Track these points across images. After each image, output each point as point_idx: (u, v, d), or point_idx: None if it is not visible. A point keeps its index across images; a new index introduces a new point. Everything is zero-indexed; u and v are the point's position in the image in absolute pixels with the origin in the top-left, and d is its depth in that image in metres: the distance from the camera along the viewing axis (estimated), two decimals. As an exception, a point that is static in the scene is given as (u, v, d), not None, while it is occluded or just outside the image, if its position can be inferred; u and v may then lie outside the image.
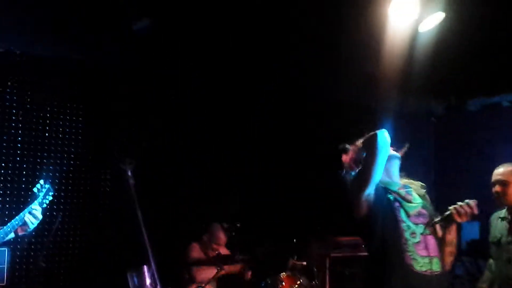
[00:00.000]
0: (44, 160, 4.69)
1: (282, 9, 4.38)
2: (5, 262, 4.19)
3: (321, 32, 4.73)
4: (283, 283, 4.51)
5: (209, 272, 4.67)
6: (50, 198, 3.16)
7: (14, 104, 4.66)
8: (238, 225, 5.12)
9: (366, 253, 4.98)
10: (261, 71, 5.57)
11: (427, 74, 5.27)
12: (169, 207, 5.16)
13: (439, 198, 5.58)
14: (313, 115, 5.94)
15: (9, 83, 4.68)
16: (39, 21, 4.49)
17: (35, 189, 3.10)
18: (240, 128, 5.73)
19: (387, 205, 2.64)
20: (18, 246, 4.46)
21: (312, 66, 5.44)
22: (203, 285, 4.50)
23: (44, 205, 3.12)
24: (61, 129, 4.84)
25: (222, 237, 4.92)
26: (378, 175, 2.66)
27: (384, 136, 2.66)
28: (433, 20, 4.38)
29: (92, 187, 4.95)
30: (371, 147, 2.66)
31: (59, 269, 4.79)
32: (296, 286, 4.54)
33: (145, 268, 2.78)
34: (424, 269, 2.55)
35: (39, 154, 4.72)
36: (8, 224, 3.02)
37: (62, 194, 4.78)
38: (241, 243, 4.98)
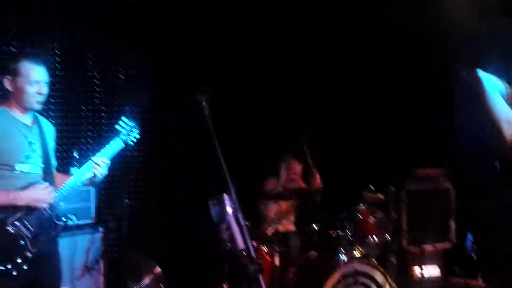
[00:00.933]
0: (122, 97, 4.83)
1: None
2: (91, 200, 4.46)
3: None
4: (360, 216, 4.48)
5: (285, 206, 4.72)
6: (136, 135, 3.13)
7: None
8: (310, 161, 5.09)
9: (444, 186, 5.01)
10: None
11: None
12: (245, 138, 5.22)
13: None
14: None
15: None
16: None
17: (117, 126, 3.09)
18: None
19: None
20: (102, 185, 4.68)
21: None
22: (278, 219, 4.56)
23: (130, 142, 3.11)
24: (134, 66, 4.97)
25: (297, 168, 4.92)
26: None
27: None
28: None
29: (170, 120, 5.10)
30: None
31: (141, 205, 5.02)
32: (373, 218, 4.49)
33: (226, 196, 2.82)
34: None
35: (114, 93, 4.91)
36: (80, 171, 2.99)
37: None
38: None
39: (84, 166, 2.98)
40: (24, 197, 2.78)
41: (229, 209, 2.80)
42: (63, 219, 2.92)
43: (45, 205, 2.83)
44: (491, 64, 3.00)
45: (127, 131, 3.09)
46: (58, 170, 3.16)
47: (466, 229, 5.10)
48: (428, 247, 4.89)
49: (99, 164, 2.97)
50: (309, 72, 5.68)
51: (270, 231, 4.51)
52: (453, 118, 5.20)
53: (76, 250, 4.21)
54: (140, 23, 4.96)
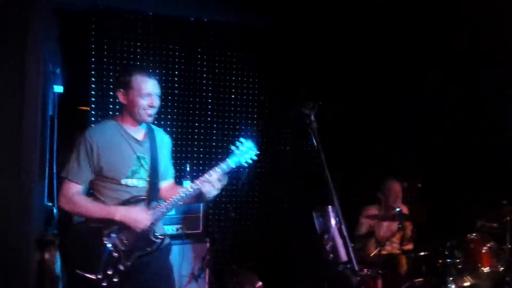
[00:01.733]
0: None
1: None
2: (200, 211, 4.68)
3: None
4: (471, 245, 4.25)
5: (389, 229, 4.62)
6: (253, 157, 2.98)
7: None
8: (419, 185, 4.98)
9: None
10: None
11: None
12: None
13: None
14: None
15: (199, 49, 5.20)
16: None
17: (233, 147, 2.99)
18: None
19: None
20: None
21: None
22: (383, 242, 4.46)
23: (245, 163, 2.97)
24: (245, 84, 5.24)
25: (398, 193, 4.81)
26: None
27: None
28: None
29: (276, 134, 5.29)
30: None
31: (246, 219, 5.20)
32: (485, 248, 4.24)
33: (330, 208, 2.84)
34: None
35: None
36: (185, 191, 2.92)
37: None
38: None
39: (198, 181, 2.92)
40: (121, 214, 2.81)
41: (333, 221, 2.82)
42: (160, 236, 2.91)
43: (139, 228, 2.83)
44: None
45: (244, 151, 2.97)
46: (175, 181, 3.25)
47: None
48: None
49: (212, 181, 2.91)
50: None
51: (373, 253, 4.42)
52: None
53: (183, 258, 4.44)
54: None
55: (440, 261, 4.31)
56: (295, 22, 5.31)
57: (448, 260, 4.25)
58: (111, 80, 4.80)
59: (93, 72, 4.78)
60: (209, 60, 5.21)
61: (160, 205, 2.93)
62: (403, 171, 5.16)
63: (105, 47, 4.84)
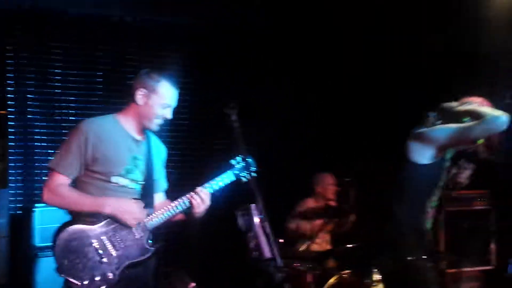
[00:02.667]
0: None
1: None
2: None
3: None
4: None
5: (318, 224, 4.72)
6: (253, 174, 2.83)
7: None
8: (348, 180, 5.10)
9: (482, 206, 4.88)
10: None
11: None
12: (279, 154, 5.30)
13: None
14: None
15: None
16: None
17: (233, 161, 2.86)
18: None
19: None
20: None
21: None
22: (312, 237, 4.56)
23: (243, 178, 2.84)
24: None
25: (331, 190, 4.94)
26: None
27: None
28: None
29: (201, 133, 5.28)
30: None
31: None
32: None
33: (253, 206, 2.87)
34: None
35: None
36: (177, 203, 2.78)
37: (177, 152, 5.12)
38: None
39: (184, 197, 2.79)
40: (112, 206, 2.61)
41: (256, 219, 2.85)
42: (155, 244, 2.73)
43: (132, 221, 2.63)
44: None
45: (242, 167, 2.84)
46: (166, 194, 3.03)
47: (508, 252, 4.94)
48: (467, 270, 4.76)
49: (201, 196, 2.77)
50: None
51: (302, 248, 4.51)
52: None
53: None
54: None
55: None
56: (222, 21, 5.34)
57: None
58: (32, 82, 4.63)
59: (11, 75, 4.59)
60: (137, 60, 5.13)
61: (155, 214, 2.72)
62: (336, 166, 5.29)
63: (25, 48, 4.66)
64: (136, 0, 5.09)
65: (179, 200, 2.79)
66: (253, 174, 2.85)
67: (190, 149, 5.40)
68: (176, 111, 2.90)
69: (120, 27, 5.06)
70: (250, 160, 2.86)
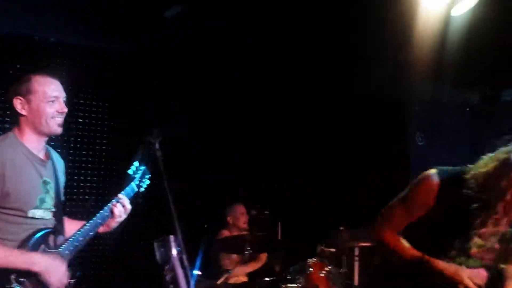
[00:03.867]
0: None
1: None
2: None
3: (349, 19, 4.70)
4: (311, 269, 4.49)
5: (236, 256, 4.71)
6: (147, 181, 2.89)
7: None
8: (267, 212, 5.19)
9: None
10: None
11: (460, 61, 5.15)
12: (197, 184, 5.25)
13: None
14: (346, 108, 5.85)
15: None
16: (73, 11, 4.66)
17: (130, 171, 2.82)
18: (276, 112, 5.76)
19: None
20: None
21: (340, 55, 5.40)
22: (230, 270, 4.54)
23: (142, 189, 2.87)
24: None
25: (243, 219, 4.97)
26: None
27: None
28: (467, 4, 4.28)
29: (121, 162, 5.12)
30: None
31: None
32: (324, 272, 4.51)
33: (172, 238, 2.82)
34: None
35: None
36: (97, 215, 2.62)
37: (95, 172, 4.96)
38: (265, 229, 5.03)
39: (103, 211, 2.65)
40: (41, 265, 2.31)
41: (174, 251, 2.79)
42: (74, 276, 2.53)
43: (58, 284, 2.38)
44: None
45: (139, 176, 2.84)
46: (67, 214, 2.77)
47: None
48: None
49: (124, 205, 2.68)
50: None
51: (220, 281, 4.48)
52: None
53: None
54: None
55: (283, 286, 4.48)
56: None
57: (290, 285, 4.42)
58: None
59: None
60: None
61: (69, 240, 2.48)
62: (251, 198, 5.34)
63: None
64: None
65: (97, 215, 2.64)
66: (148, 182, 2.87)
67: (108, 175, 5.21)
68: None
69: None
70: (144, 167, 2.85)
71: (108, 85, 5.13)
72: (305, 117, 5.76)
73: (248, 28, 4.93)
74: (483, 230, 2.31)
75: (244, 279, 4.89)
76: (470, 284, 2.26)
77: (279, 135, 5.76)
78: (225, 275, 4.44)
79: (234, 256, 4.79)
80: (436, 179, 2.35)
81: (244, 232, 4.90)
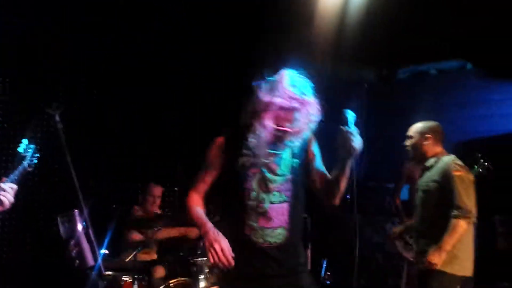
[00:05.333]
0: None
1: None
2: None
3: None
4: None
5: (146, 234, 4.69)
6: (35, 159, 2.77)
7: None
8: (176, 189, 5.19)
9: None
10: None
11: (358, 41, 5.42)
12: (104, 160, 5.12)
13: (371, 162, 5.86)
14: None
15: None
16: None
17: (21, 149, 2.72)
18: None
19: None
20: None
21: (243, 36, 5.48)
22: (140, 247, 4.50)
23: (33, 165, 2.77)
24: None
25: (156, 198, 4.94)
26: None
27: None
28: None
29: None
30: None
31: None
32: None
33: (76, 212, 2.75)
34: (261, 240, 2.48)
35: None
36: None
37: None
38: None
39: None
40: None
41: (79, 226, 2.73)
42: None
43: None
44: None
45: (30, 154, 2.74)
46: None
47: (321, 257, 5.44)
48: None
49: (7, 190, 2.58)
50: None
51: (129, 258, 4.42)
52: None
53: None
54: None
55: (192, 261, 4.51)
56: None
57: (200, 259, 4.46)
58: None
59: None
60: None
61: None
62: (164, 176, 5.30)
63: None
64: None
65: None
66: (36, 160, 2.78)
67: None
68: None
69: None
70: (33, 146, 2.78)
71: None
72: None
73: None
74: None
75: (154, 256, 4.88)
76: (212, 252, 2.36)
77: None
78: (134, 252, 4.39)
79: (144, 232, 4.75)
80: (221, 137, 2.60)
81: (157, 211, 4.86)
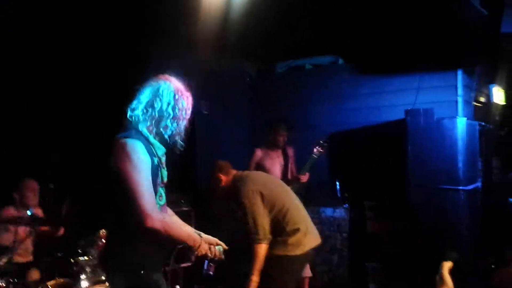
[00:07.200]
0: None
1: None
2: None
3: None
4: (102, 240, 4.44)
5: (22, 234, 4.43)
6: None
7: None
8: (52, 186, 4.94)
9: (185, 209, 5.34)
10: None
11: (240, 36, 5.55)
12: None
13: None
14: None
15: None
16: None
17: None
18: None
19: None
20: None
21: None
22: (14, 249, 4.24)
23: None
24: None
25: (31, 196, 4.67)
26: None
27: None
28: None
29: None
30: None
31: None
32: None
33: None
34: None
35: None
36: None
37: None
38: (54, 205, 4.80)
39: None
40: None
41: None
42: None
43: None
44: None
45: None
46: None
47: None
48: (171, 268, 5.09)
49: None
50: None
51: (3, 261, 4.14)
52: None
53: None
54: None
55: (73, 260, 4.33)
56: None
57: (81, 258, 4.31)
58: None
59: None
60: None
61: None
62: (41, 171, 5.00)
63: None
64: None
65: None
66: None
67: None
68: None
69: None
70: None
71: None
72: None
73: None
74: None
75: (29, 258, 4.61)
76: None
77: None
78: (9, 255, 4.11)
79: (21, 233, 4.46)
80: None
81: (36, 210, 4.59)
